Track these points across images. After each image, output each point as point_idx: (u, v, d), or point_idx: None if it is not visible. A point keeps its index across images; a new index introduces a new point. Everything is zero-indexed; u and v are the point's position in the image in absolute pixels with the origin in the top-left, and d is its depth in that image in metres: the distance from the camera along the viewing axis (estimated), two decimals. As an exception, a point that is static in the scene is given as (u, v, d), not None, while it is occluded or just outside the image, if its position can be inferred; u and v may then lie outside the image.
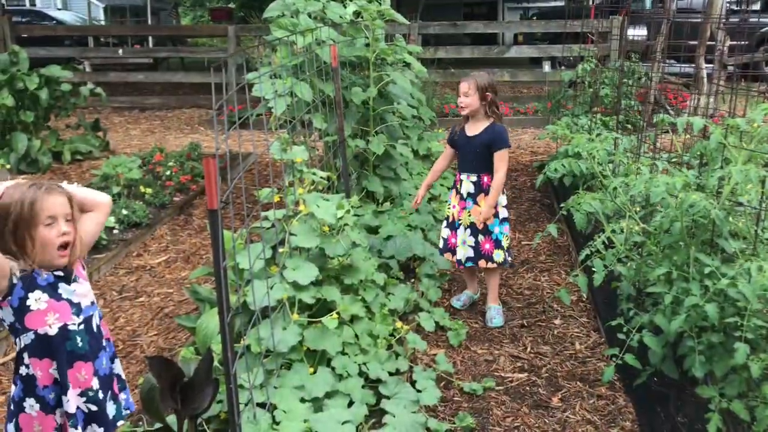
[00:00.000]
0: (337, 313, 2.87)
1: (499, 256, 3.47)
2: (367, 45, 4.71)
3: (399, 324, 3.23)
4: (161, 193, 5.44)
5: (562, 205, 2.78)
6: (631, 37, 7.70)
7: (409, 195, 4.88)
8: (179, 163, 6.17)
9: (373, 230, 4.23)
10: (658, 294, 2.21)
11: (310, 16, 4.58)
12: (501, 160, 3.35)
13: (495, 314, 3.56)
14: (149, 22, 14.84)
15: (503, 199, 3.49)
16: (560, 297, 2.89)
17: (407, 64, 5.53)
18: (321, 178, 3.24)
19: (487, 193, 3.43)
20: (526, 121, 8.70)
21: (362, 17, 4.65)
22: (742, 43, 11.74)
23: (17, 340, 1.88)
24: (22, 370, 1.90)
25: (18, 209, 1.82)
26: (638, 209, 2.73)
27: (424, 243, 4.06)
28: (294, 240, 2.92)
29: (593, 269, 2.71)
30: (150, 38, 13.04)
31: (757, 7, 14.58)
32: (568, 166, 2.86)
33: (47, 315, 1.87)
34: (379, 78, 4.74)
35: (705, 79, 7.52)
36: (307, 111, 4.58)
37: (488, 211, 3.41)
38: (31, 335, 1.86)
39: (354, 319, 3.03)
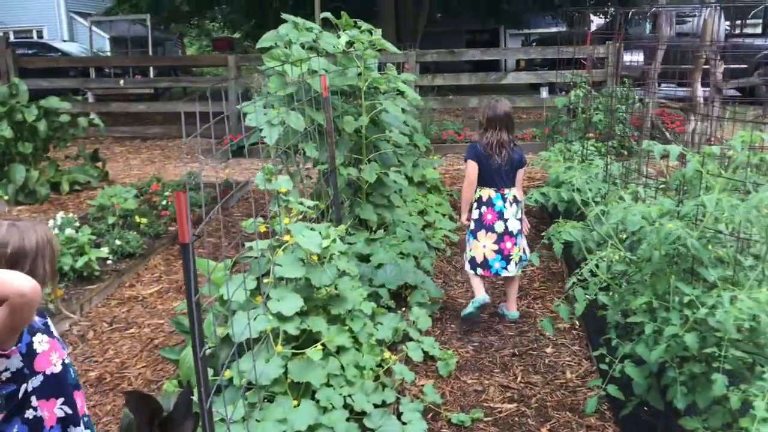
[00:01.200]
0: (323, 345, 2.84)
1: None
2: (360, 74, 4.74)
3: (387, 354, 3.20)
4: (156, 222, 5.45)
5: (543, 234, 2.77)
6: (627, 63, 7.75)
7: (403, 222, 4.88)
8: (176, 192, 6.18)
9: (365, 258, 4.22)
10: (641, 323, 2.18)
11: (303, 47, 4.63)
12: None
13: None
14: (150, 53, 15.00)
15: (474, 213, 3.85)
16: (543, 327, 2.85)
17: (401, 92, 5.57)
18: (308, 207, 3.24)
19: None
20: (524, 147, 8.69)
21: (354, 47, 4.70)
22: (740, 66, 11.80)
23: (22, 386, 1.85)
24: (29, 414, 1.88)
25: (43, 246, 1.86)
26: (624, 237, 2.71)
27: (416, 271, 4.05)
28: (278, 270, 2.90)
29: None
30: (151, 68, 13.18)
31: (757, 30, 14.66)
32: (548, 195, 2.84)
33: (51, 354, 1.88)
34: (372, 106, 4.77)
35: (702, 104, 7.55)
36: (300, 140, 4.62)
37: (462, 219, 3.93)
38: (39, 378, 1.86)
39: (340, 350, 3.01)
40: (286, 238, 3.02)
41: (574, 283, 2.68)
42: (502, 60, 18.78)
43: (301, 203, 3.38)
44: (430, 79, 9.59)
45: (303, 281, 3.06)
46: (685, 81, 6.88)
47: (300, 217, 3.33)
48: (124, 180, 7.72)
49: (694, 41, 7.99)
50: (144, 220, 5.40)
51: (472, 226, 3.82)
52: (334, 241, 3.09)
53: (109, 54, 18.19)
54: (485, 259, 3.77)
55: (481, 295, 3.77)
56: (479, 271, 3.80)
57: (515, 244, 3.75)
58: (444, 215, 5.34)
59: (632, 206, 2.06)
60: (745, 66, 12.61)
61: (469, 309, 3.75)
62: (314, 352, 2.78)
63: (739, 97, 9.08)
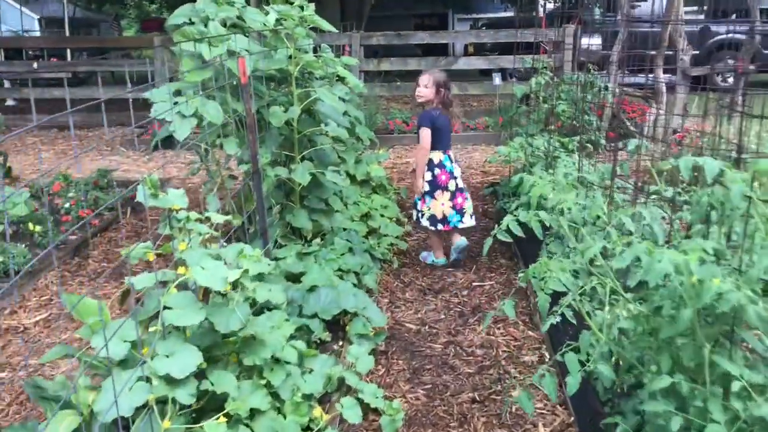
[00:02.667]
0: (226, 415, 2.16)
1: (414, 215, 4.34)
2: (291, 57, 4.02)
3: (317, 412, 2.53)
4: (54, 231, 4.63)
5: (520, 273, 2.13)
6: (586, 47, 7.22)
7: (344, 230, 4.21)
8: (84, 192, 5.36)
9: (296, 277, 3.53)
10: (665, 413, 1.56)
11: (224, 25, 3.91)
12: (420, 137, 4.17)
13: (426, 253, 4.43)
14: (67, 33, 13.79)
15: (427, 175, 4.17)
16: (520, 403, 2.18)
17: (342, 78, 4.88)
18: (208, 231, 2.52)
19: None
20: (476, 138, 8.11)
21: (283, 24, 3.97)
22: (693, 52, 11.44)
23: None
24: None
25: None
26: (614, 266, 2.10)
27: (357, 293, 3.37)
28: (168, 316, 2.19)
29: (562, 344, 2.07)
30: (69, 51, 12.04)
31: (699, 16, 14.42)
32: (528, 222, 2.20)
33: None
34: (306, 95, 4.07)
35: (664, 91, 7.07)
36: (220, 133, 3.93)
37: (414, 182, 4.24)
38: None
39: (255, 413, 2.32)
40: (181, 270, 2.32)
41: (553, 326, 2.05)
42: (453, 45, 18.19)
43: (209, 219, 2.67)
44: (376, 64, 8.88)
45: (206, 324, 2.37)
46: (641, 66, 6.38)
47: (206, 237, 2.62)
48: (31, 176, 6.82)
49: (654, 25, 7.51)
50: (39, 228, 4.57)
51: (427, 187, 4.17)
52: (246, 272, 2.40)
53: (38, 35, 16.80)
54: (444, 216, 4.17)
55: (441, 257, 4.31)
56: (440, 226, 4.18)
57: (465, 198, 4.23)
58: (391, 219, 4.68)
59: (653, 250, 1.44)
60: (697, 51, 12.31)
61: (430, 260, 4.32)
62: (215, 426, 2.09)
63: (696, 85, 8.67)
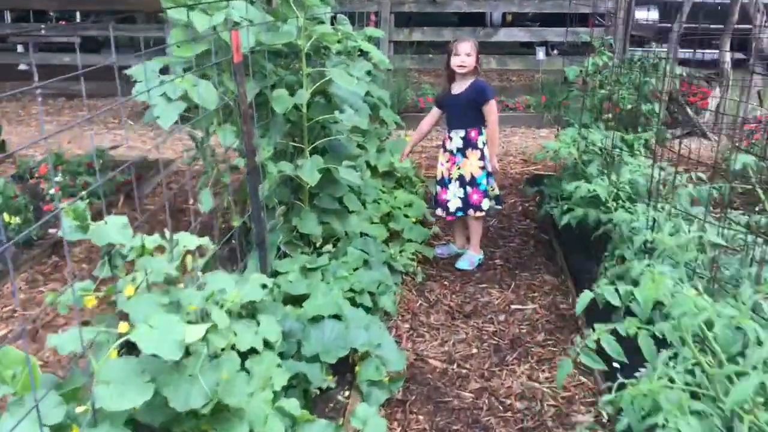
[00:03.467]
0: None
1: (486, 204, 3.74)
2: (301, 28, 3.36)
3: (308, 506, 1.93)
4: (32, 223, 4.06)
5: (605, 398, 1.45)
6: (643, 21, 6.42)
7: (360, 236, 3.58)
8: (73, 175, 4.79)
9: (298, 299, 2.91)
10: None
11: (225, -11, 3.27)
12: (490, 112, 3.68)
13: (466, 258, 3.82)
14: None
15: (486, 152, 3.75)
16: None
17: (365, 53, 4.23)
18: (171, 272, 1.90)
19: (474, 147, 3.72)
20: (516, 119, 7.34)
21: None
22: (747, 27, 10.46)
23: None
24: None
25: None
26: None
27: (369, 325, 2.73)
28: (101, 395, 1.58)
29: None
30: (78, 13, 11.43)
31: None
32: (634, 336, 1.49)
33: None
34: (320, 74, 3.41)
35: (729, 72, 6.27)
36: (216, 119, 3.33)
37: (494, 162, 3.75)
38: None
39: None
40: (122, 327, 1.70)
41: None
42: (490, 13, 17.18)
43: (176, 243, 2.06)
44: (407, 34, 8.15)
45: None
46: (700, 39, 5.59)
47: (181, 256, 2.00)
48: (27, 151, 6.29)
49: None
50: (16, 220, 4.01)
51: (489, 167, 3.78)
52: (214, 327, 1.78)
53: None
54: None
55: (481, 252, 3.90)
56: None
57: None
58: (416, 222, 4.02)
59: None
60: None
61: (477, 261, 3.83)
62: None
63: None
